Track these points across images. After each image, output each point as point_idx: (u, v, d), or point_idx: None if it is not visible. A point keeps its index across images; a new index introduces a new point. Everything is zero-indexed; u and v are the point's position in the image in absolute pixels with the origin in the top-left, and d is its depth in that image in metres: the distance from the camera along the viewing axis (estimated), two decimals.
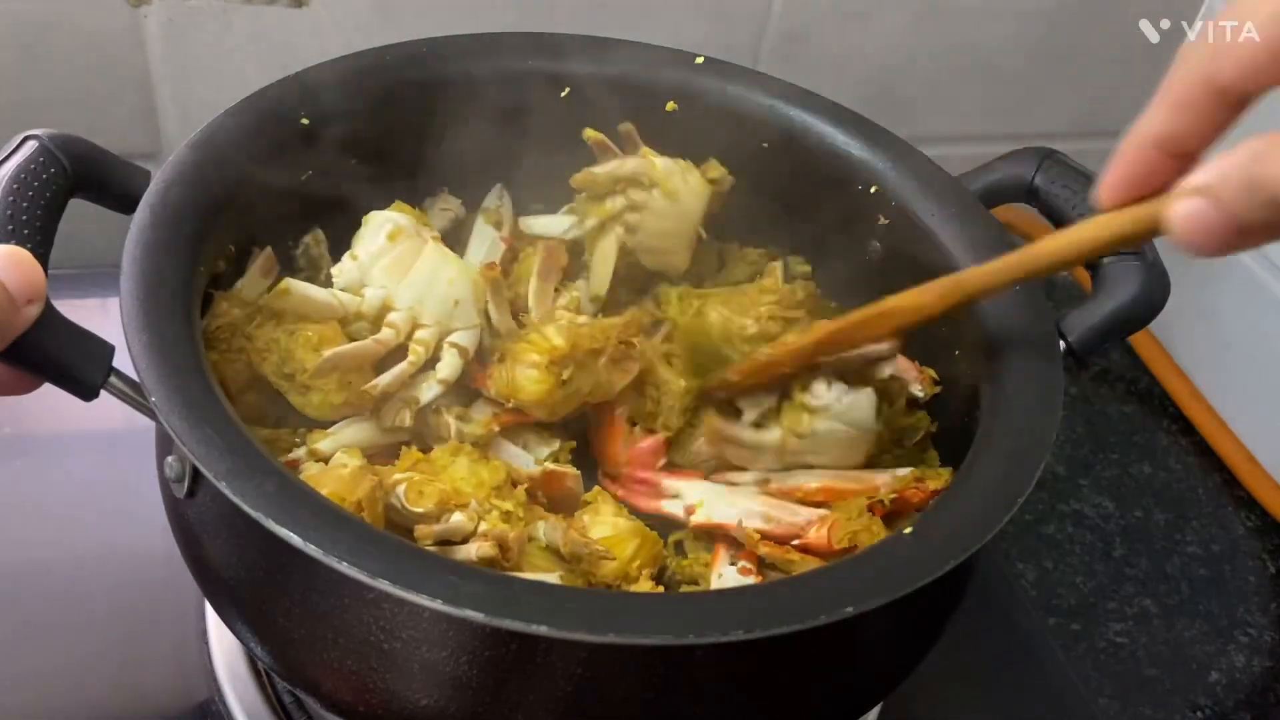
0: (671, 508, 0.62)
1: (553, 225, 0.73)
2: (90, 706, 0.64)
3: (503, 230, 0.74)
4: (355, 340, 0.63)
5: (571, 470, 0.65)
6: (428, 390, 0.63)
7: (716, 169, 0.72)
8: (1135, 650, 0.79)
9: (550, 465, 0.64)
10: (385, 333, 0.61)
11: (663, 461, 0.66)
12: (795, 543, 0.60)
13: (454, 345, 0.63)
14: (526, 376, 0.62)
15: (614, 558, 0.58)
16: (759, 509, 0.62)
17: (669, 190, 0.68)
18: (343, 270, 0.62)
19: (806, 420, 0.63)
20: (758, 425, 0.66)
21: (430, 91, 0.69)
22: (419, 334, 0.62)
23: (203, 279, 0.58)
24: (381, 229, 0.63)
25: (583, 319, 0.65)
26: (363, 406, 0.61)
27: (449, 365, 0.63)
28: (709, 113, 0.72)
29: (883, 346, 0.67)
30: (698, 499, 0.62)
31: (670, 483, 0.63)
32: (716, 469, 0.67)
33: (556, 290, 0.69)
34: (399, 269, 0.62)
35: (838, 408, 0.62)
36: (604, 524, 0.60)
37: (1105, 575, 0.84)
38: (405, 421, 0.62)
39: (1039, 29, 0.95)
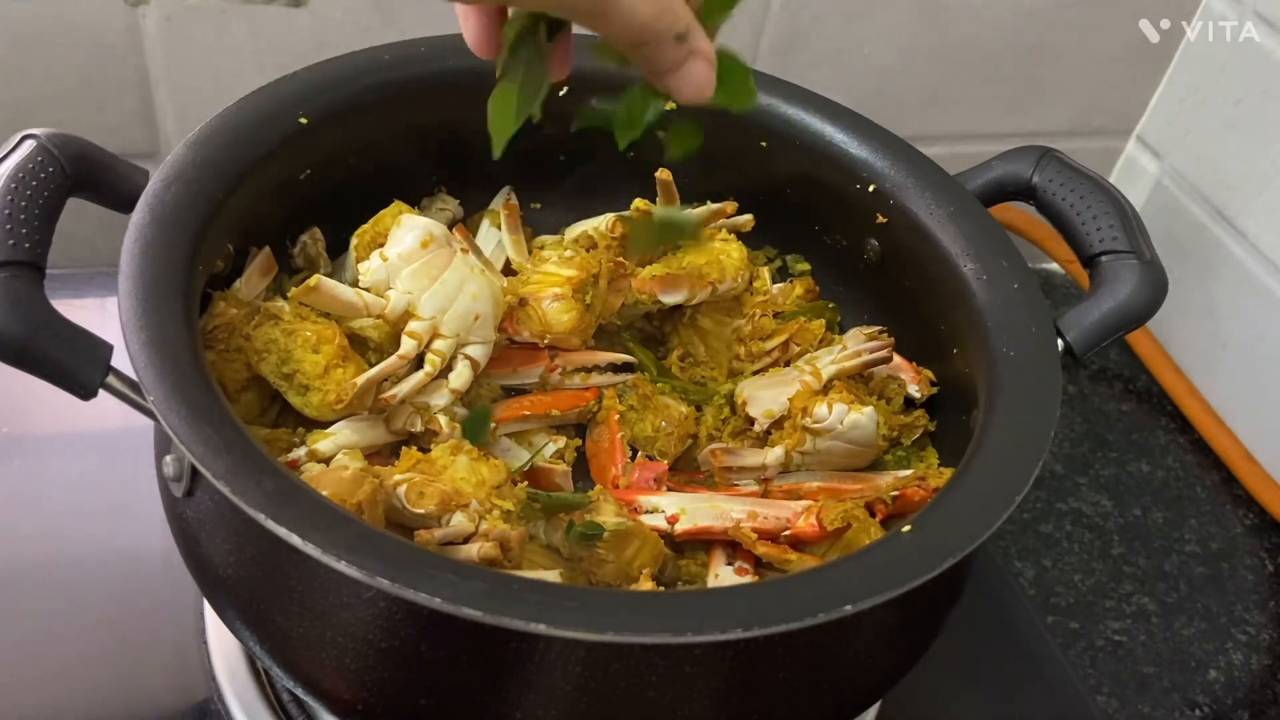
0: (653, 521, 0.62)
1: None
2: (90, 706, 0.64)
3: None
4: (352, 335, 0.63)
5: (560, 466, 0.65)
6: (439, 398, 0.63)
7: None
8: (1134, 648, 0.79)
9: (540, 461, 0.64)
10: (407, 344, 0.62)
11: (665, 487, 0.66)
12: (786, 533, 0.60)
13: (468, 357, 0.64)
14: (555, 309, 0.65)
15: (612, 559, 0.58)
16: (743, 507, 0.62)
17: None
18: (370, 269, 0.62)
19: (809, 440, 0.63)
20: (759, 445, 0.66)
21: (429, 91, 0.69)
22: (436, 344, 0.62)
23: (201, 278, 0.58)
24: (415, 233, 0.63)
25: (568, 253, 0.68)
26: (361, 407, 0.61)
27: (460, 376, 0.63)
28: (707, 112, 0.72)
29: (881, 351, 0.67)
30: (678, 509, 0.62)
31: (647, 499, 0.63)
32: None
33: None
34: (426, 276, 0.62)
35: (839, 429, 0.63)
36: (605, 524, 0.60)
37: (1103, 573, 0.84)
38: (416, 426, 0.62)
39: (1038, 28, 0.95)
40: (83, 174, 0.56)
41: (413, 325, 0.62)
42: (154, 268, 0.53)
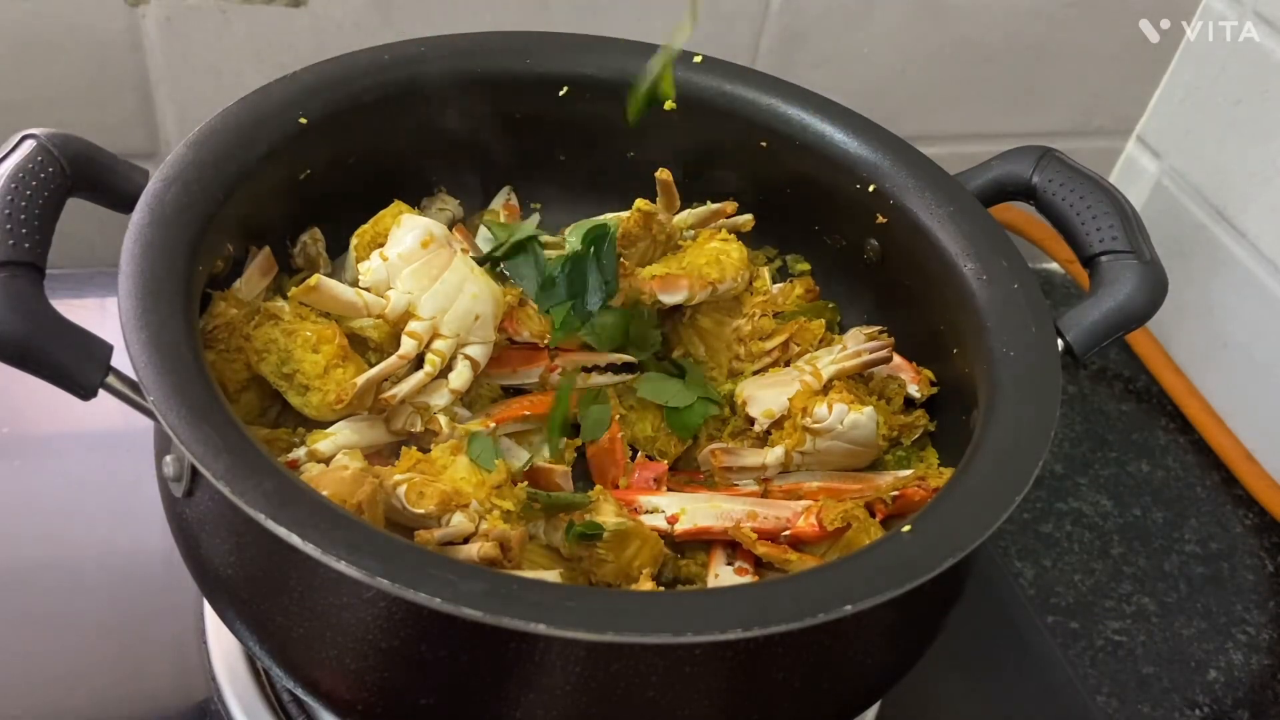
0: (653, 521, 0.62)
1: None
2: (90, 706, 0.64)
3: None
4: (352, 335, 0.63)
5: (560, 466, 0.65)
6: (439, 398, 0.63)
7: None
8: (1133, 648, 0.79)
9: (540, 461, 0.64)
10: (407, 344, 0.62)
11: (665, 487, 0.66)
12: (786, 533, 0.60)
13: (468, 357, 0.64)
14: (559, 311, 0.66)
15: (612, 559, 0.58)
16: (743, 507, 0.62)
17: None
18: (371, 269, 0.62)
19: (809, 440, 0.63)
20: (759, 445, 0.66)
21: (428, 91, 0.69)
22: (436, 344, 0.63)
23: (201, 278, 0.58)
24: (415, 233, 0.63)
25: None
26: (361, 407, 0.61)
27: (460, 376, 0.63)
28: (707, 112, 0.72)
29: (881, 351, 0.67)
30: (678, 509, 0.62)
31: (647, 499, 0.63)
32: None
33: None
34: (426, 276, 0.62)
35: (839, 429, 0.63)
36: (605, 524, 0.60)
37: (1103, 573, 0.84)
38: (416, 426, 0.62)
39: (1038, 28, 0.95)
40: (83, 174, 0.56)
41: (413, 325, 0.62)
42: (154, 268, 0.53)
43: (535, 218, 0.71)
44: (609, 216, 0.73)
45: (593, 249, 0.67)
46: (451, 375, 0.63)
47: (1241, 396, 0.94)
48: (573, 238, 0.71)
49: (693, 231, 0.75)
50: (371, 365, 0.62)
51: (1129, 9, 0.96)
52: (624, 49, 0.73)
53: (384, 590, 0.44)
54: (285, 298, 0.64)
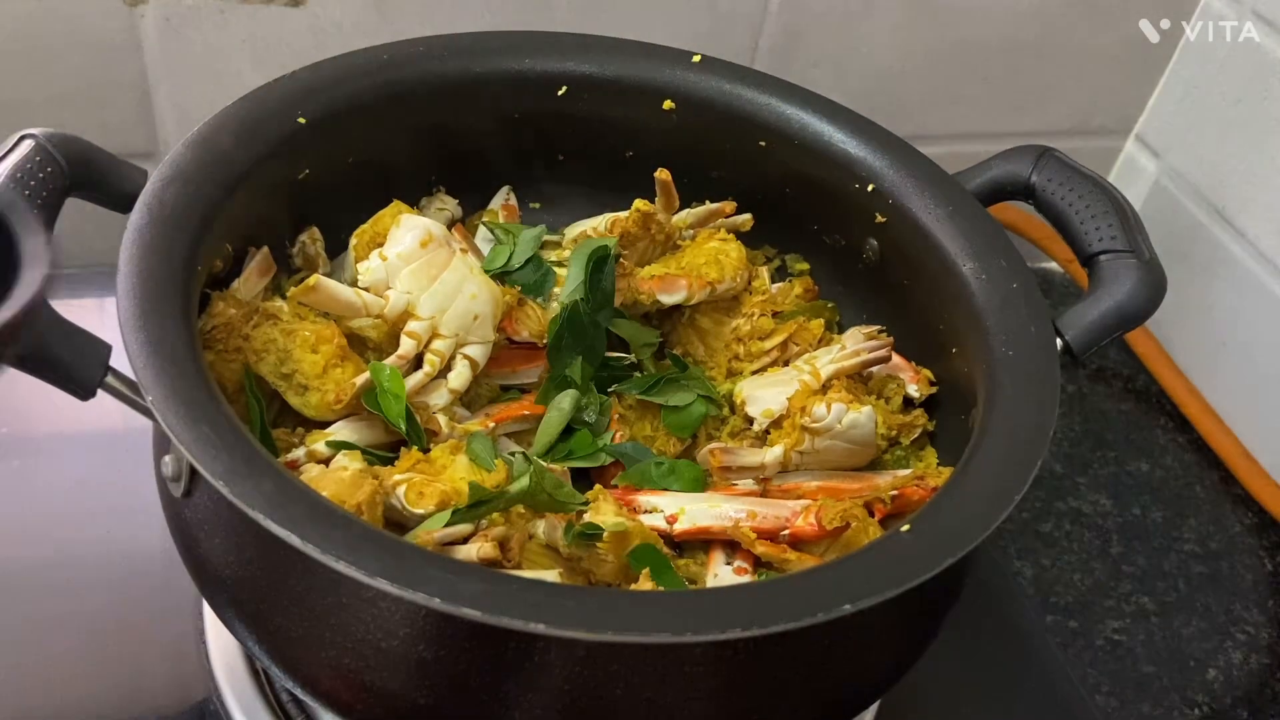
0: (653, 521, 0.62)
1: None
2: (89, 706, 0.64)
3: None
4: (351, 335, 0.63)
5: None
6: (438, 398, 0.63)
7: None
8: (1133, 647, 0.79)
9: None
10: (406, 344, 0.62)
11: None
12: (785, 533, 0.60)
13: (467, 357, 0.64)
14: (555, 309, 0.66)
15: (612, 559, 0.58)
16: (742, 507, 0.62)
17: None
18: (369, 269, 0.62)
19: (808, 440, 0.63)
20: (758, 445, 0.66)
21: (427, 91, 0.69)
22: (435, 344, 0.63)
23: (200, 278, 0.58)
24: (414, 233, 0.63)
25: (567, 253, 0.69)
26: (361, 407, 0.61)
27: (460, 376, 0.63)
28: (706, 111, 0.72)
29: (880, 351, 0.67)
30: (677, 508, 0.62)
31: (646, 499, 0.63)
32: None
33: None
34: (425, 276, 0.62)
35: (838, 428, 0.63)
36: (604, 524, 0.60)
37: (1103, 573, 0.84)
38: None
39: (1037, 27, 0.95)
40: (81, 174, 0.56)
41: (412, 325, 0.62)
42: (153, 268, 0.53)
43: (541, 228, 0.71)
44: (608, 216, 0.73)
45: (591, 266, 0.67)
46: (451, 375, 0.63)
47: (1241, 396, 0.94)
48: (572, 243, 0.71)
49: (692, 231, 0.75)
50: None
51: (1129, 9, 0.96)
52: (624, 49, 0.73)
53: (384, 590, 0.44)
54: (284, 298, 0.64)
